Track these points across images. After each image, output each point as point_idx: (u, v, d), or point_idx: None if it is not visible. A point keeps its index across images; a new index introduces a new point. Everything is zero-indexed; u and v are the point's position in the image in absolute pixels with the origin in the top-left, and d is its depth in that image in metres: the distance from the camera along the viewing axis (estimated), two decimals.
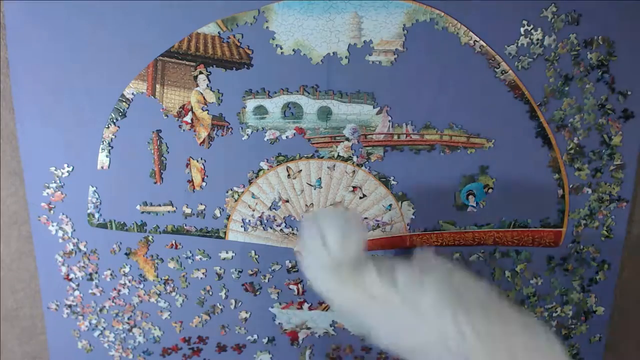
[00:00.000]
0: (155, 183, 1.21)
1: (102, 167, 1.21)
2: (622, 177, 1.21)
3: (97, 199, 1.23)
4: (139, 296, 1.33)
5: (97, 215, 1.25)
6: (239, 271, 1.28)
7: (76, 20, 1.10)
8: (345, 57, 1.12)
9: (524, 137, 1.17)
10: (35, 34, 1.12)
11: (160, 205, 1.24)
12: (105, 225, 1.26)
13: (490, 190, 1.20)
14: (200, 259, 1.28)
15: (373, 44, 1.11)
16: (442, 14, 1.09)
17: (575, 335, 1.37)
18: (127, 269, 1.30)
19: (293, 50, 1.11)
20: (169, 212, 1.24)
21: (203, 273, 1.30)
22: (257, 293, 1.31)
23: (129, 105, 1.16)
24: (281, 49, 1.11)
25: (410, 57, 1.12)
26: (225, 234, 1.25)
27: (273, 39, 1.11)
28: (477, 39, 1.10)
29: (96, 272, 1.31)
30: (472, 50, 1.11)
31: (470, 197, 1.21)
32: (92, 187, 1.22)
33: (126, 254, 1.28)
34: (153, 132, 1.18)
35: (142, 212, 1.24)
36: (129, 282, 1.31)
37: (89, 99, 1.16)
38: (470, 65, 1.12)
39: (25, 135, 1.20)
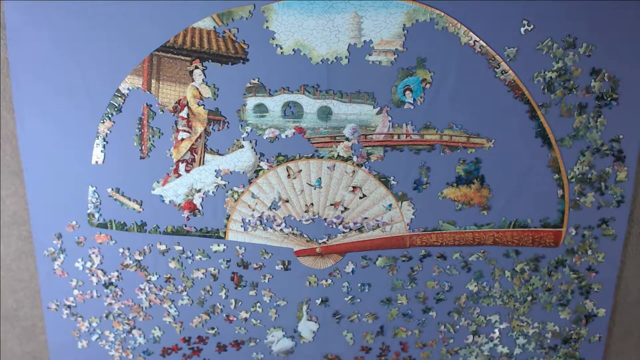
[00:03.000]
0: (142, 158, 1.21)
1: (96, 162, 1.21)
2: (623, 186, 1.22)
3: (97, 198, 1.23)
4: (150, 300, 1.34)
5: (97, 215, 1.25)
6: (227, 261, 1.29)
7: (75, 19, 1.10)
8: (345, 57, 1.12)
9: (524, 137, 1.17)
10: (35, 34, 1.12)
11: (130, 200, 1.24)
12: (106, 225, 1.26)
13: (428, 86, 1.15)
14: (200, 258, 1.28)
15: (373, 44, 1.11)
16: (442, 14, 1.09)
17: (576, 336, 1.37)
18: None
19: (293, 50, 1.11)
20: (134, 209, 1.24)
21: (203, 273, 1.30)
22: (239, 288, 1.31)
23: (124, 100, 1.16)
24: (281, 48, 1.11)
25: (410, 57, 1.12)
26: (225, 234, 1.25)
27: (273, 39, 1.10)
28: (477, 38, 1.10)
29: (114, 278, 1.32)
30: (472, 50, 1.11)
31: (407, 92, 1.15)
32: (92, 187, 1.22)
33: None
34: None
35: (109, 196, 1.23)
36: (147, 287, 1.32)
37: (88, 97, 1.16)
38: (470, 65, 1.12)
39: (25, 135, 1.20)
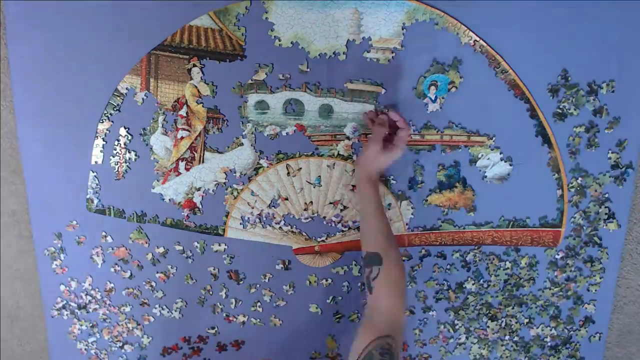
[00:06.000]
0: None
1: (96, 162, 1.21)
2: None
3: (97, 184, 1.23)
4: (143, 303, 1.34)
5: (96, 201, 1.24)
6: (231, 257, 1.28)
7: (74, 19, 1.11)
8: (343, 53, 1.12)
9: (524, 136, 1.17)
10: (35, 34, 1.12)
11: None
12: (104, 212, 1.25)
13: (454, 89, 1.14)
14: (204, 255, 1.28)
15: (372, 41, 1.11)
16: (442, 13, 1.09)
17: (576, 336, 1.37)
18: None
19: (291, 42, 1.11)
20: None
21: (204, 272, 1.30)
22: (241, 282, 1.31)
23: (122, 100, 1.17)
24: (279, 40, 1.11)
25: (408, 57, 1.12)
26: (224, 231, 1.25)
27: (272, 30, 1.11)
28: (477, 38, 1.11)
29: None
30: (472, 50, 1.12)
31: (431, 87, 1.14)
32: (93, 172, 1.22)
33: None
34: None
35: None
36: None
37: (88, 97, 1.16)
38: (470, 65, 1.12)
39: (25, 135, 1.20)
